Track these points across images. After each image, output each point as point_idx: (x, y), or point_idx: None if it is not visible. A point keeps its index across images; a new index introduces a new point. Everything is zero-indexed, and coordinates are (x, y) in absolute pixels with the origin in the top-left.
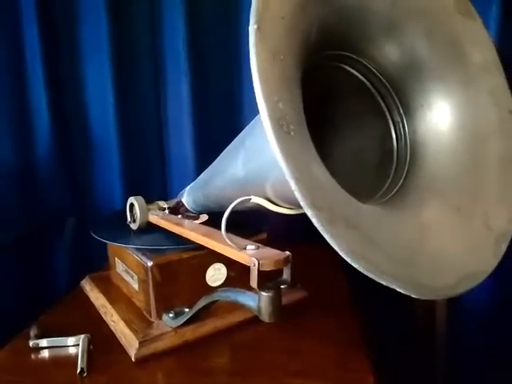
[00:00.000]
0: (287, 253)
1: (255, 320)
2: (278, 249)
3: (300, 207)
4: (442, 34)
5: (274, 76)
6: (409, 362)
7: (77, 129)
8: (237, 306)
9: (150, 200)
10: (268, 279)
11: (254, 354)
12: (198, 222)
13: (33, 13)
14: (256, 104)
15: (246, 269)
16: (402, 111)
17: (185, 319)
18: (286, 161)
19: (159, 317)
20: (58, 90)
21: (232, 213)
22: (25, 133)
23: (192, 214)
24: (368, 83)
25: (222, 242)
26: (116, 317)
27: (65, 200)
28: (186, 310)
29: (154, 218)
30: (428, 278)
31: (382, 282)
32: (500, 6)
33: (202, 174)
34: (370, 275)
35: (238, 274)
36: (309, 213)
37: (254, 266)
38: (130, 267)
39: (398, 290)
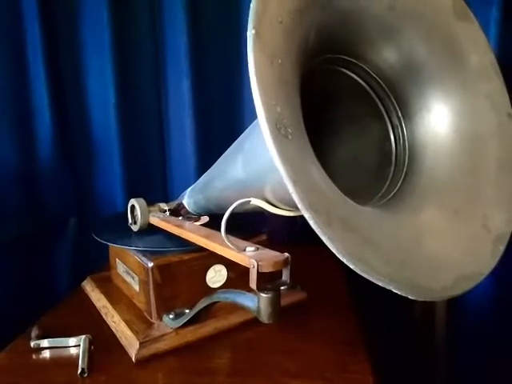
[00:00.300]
0: (286, 254)
1: (255, 321)
2: (278, 250)
3: (299, 209)
4: (440, 38)
5: (271, 80)
6: (408, 362)
7: (78, 130)
8: (237, 307)
9: (151, 202)
10: (268, 280)
11: (254, 355)
12: (198, 223)
13: (34, 14)
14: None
15: (246, 270)
16: (400, 114)
17: (185, 320)
18: (284, 164)
19: (160, 318)
20: (60, 91)
21: (232, 215)
22: (27, 134)
23: (193, 216)
24: (367, 86)
25: (222, 244)
26: (117, 317)
27: (66, 201)
28: (187, 311)
29: (155, 220)
30: (425, 279)
31: (378, 284)
32: (500, 8)
33: (202, 177)
34: (367, 277)
35: (238, 276)
36: (306, 215)
37: (254, 267)
38: (130, 268)
39: (395, 291)
